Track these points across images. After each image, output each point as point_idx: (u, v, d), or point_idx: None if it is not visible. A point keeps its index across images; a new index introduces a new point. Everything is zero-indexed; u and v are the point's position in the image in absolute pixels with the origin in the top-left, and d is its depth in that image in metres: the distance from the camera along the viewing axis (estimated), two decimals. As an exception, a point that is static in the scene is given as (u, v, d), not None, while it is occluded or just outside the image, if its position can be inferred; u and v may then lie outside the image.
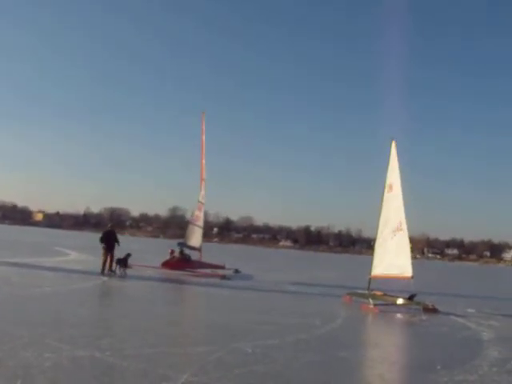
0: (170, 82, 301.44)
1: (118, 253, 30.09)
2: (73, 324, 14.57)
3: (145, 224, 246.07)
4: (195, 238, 38.94)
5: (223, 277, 33.56)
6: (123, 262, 29.32)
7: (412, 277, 24.14)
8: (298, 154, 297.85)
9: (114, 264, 29.43)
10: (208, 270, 36.25)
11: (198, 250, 38.56)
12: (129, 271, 29.60)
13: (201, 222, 39.89)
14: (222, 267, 38.53)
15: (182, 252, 37.00)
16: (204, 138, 40.51)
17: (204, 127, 40.60)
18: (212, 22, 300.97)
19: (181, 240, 39.88)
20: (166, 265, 35.86)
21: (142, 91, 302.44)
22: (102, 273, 28.75)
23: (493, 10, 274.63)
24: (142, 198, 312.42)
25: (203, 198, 39.81)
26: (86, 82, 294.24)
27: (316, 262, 75.91)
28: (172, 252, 36.86)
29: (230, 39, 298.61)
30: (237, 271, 38.30)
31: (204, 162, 40.28)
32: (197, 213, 40.19)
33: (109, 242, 29.71)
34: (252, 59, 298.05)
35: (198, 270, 35.63)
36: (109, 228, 32.10)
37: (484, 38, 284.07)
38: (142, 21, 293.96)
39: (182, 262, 36.31)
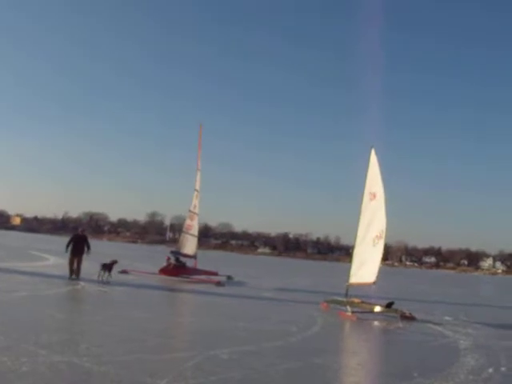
0: (142, 85, 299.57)
1: (104, 258, 29.96)
2: (50, 329, 14.52)
3: (123, 229, 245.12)
4: (189, 246, 40.31)
5: (218, 283, 35.03)
6: (108, 268, 29.11)
7: (374, 283, 24.31)
8: (277, 160, 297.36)
9: (79, 270, 29.18)
10: (203, 277, 37.93)
11: (193, 257, 40.10)
12: (122, 277, 29.44)
13: (194, 231, 41.02)
14: (216, 274, 40.17)
15: (177, 259, 38.39)
16: (200, 151, 42.59)
17: (201, 140, 42.83)
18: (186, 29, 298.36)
19: (173, 248, 42.50)
20: (163, 271, 37.26)
21: (120, 95, 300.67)
22: (70, 277, 28.60)
23: (470, 15, 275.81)
24: (120, 203, 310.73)
25: (195, 208, 41.01)
26: (62, 85, 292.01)
27: (294, 268, 76.00)
28: (168, 259, 38.32)
29: (204, 41, 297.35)
30: (229, 278, 39.83)
31: (199, 173, 41.86)
32: (188, 222, 41.15)
33: (77, 246, 29.37)
34: (228, 62, 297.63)
35: (193, 276, 37.37)
36: (79, 232, 31.54)
37: (463, 43, 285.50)
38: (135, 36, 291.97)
39: (177, 268, 37.67)
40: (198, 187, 41.28)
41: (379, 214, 24.95)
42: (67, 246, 29.57)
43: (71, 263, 29.18)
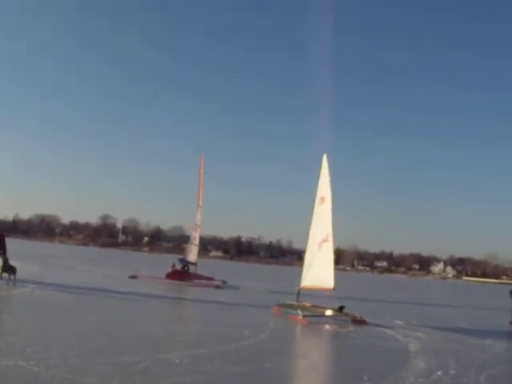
0: (89, 84, 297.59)
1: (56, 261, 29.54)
2: (-3, 332, 14.31)
3: (75, 232, 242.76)
4: (192, 254, 46.48)
5: (217, 286, 40.85)
6: (12, 270, 28.12)
7: (333, 289, 24.38)
8: (228, 163, 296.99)
9: (10, 268, 27.99)
10: (203, 281, 43.55)
11: (195, 264, 45.96)
12: (74, 280, 29.04)
13: (196, 242, 47.19)
14: (212, 279, 45.12)
15: (184, 266, 44.68)
16: (202, 175, 50.00)
17: (202, 168, 50.32)
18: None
19: (179, 256, 49.70)
20: (170, 276, 42.25)
21: (68, 96, 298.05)
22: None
23: (425, 19, 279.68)
24: (72, 206, 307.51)
25: (199, 221, 48.03)
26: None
27: (246, 272, 75.98)
28: (173, 266, 43.95)
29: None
30: (224, 282, 44.38)
31: (201, 192, 49.14)
32: (193, 234, 48.09)
33: None
34: (165, 63, 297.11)
35: (195, 281, 42.96)
36: None
37: (419, 47, 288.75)
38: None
39: (182, 274, 43.59)
40: (200, 203, 48.38)
41: (326, 218, 25.09)
42: None
43: None
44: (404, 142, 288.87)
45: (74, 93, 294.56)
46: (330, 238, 24.72)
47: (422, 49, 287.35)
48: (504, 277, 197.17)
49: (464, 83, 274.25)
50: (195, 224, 48.21)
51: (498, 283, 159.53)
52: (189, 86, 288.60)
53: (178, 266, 44.48)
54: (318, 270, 24.95)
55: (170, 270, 43.38)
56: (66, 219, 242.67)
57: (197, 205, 48.96)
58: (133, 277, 41.38)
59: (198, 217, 48.25)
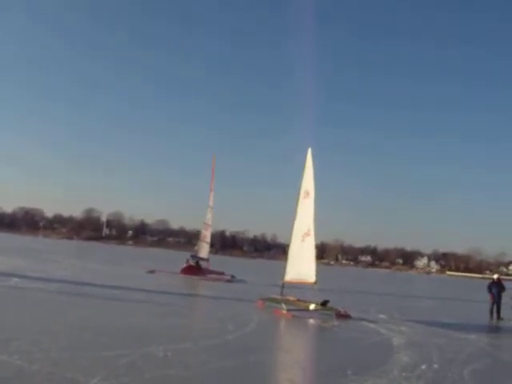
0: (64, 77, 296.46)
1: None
2: (-20, 326, 14.23)
3: (59, 225, 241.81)
4: (203, 251, 49.86)
5: (228, 280, 45.07)
6: None
7: (315, 282, 24.39)
8: (211, 157, 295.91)
9: None
10: (214, 276, 47.11)
11: (207, 260, 49.55)
12: (62, 274, 28.92)
13: (208, 239, 50.48)
14: (223, 273, 48.95)
15: (197, 262, 48.37)
16: (214, 176, 52.91)
17: (214, 168, 53.42)
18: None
19: (192, 252, 51.36)
20: (184, 271, 46.13)
21: (54, 92, 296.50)
22: None
23: (410, 14, 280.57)
24: (56, 199, 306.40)
25: (209, 221, 50.87)
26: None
27: (231, 266, 75.87)
28: (187, 261, 47.82)
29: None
30: (233, 277, 47.55)
31: (212, 193, 51.95)
32: (204, 232, 51.14)
33: None
34: (162, 61, 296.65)
35: (208, 275, 46.47)
36: None
37: (404, 43, 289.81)
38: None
39: (196, 269, 47.28)
40: (211, 204, 51.34)
41: (309, 212, 25.10)
42: None
43: None
44: (389, 136, 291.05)
45: (59, 86, 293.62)
46: (312, 232, 24.74)
47: (406, 44, 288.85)
48: (487, 271, 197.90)
49: (441, 78, 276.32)
50: (205, 223, 51.19)
51: (482, 278, 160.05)
52: (171, 80, 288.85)
53: (192, 262, 48.11)
54: (301, 264, 24.98)
55: (185, 265, 47.31)
56: (49, 212, 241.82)
57: (207, 205, 51.90)
58: (150, 272, 44.99)
59: (209, 216, 51.13)
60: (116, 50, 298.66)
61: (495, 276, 30.87)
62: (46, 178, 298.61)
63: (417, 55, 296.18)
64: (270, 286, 27.14)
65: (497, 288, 29.25)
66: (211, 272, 48.42)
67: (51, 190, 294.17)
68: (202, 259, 49.33)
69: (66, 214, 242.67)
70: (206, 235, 50.95)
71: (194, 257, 49.24)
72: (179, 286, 35.61)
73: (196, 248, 51.43)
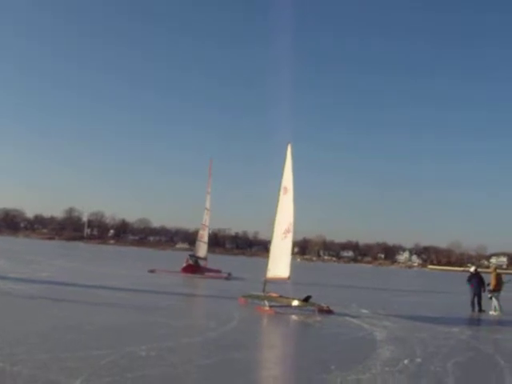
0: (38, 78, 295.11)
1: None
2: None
3: (40, 226, 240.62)
4: (201, 250, 52.20)
5: (226, 278, 47.52)
6: None
7: (289, 278, 24.44)
8: (194, 156, 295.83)
9: None
10: (213, 274, 49.90)
11: (205, 259, 51.96)
12: (40, 275, 28.75)
13: (205, 239, 52.68)
14: (219, 271, 51.34)
15: (196, 261, 50.52)
16: (210, 180, 54.55)
17: (211, 173, 55.07)
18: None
19: (190, 252, 55.61)
20: (184, 270, 48.17)
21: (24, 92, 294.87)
22: None
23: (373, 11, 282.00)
24: (36, 200, 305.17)
25: (206, 222, 53.34)
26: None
27: (212, 264, 75.90)
28: (187, 260, 50.08)
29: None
30: (229, 274, 49.29)
31: (209, 196, 53.76)
32: (201, 232, 53.34)
33: None
34: (137, 60, 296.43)
35: (206, 273, 49.16)
36: None
37: (374, 37, 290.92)
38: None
39: (195, 267, 49.41)
40: (208, 206, 53.37)
41: (288, 208, 25.11)
42: None
43: None
44: (369, 133, 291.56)
45: (29, 86, 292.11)
46: (291, 228, 24.76)
47: (379, 38, 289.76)
48: (468, 264, 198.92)
49: (423, 72, 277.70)
50: (202, 224, 53.56)
51: (463, 271, 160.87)
52: (147, 80, 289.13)
53: (191, 261, 50.30)
54: (280, 260, 25.01)
55: (185, 264, 49.46)
56: (30, 213, 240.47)
57: (204, 208, 53.82)
58: (151, 271, 46.82)
59: (206, 217, 53.42)
60: (108, 55, 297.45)
61: (472, 268, 31.01)
62: (26, 179, 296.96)
63: (402, 50, 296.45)
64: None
65: (477, 280, 29.38)
66: (209, 270, 50.76)
67: (31, 191, 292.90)
68: (201, 258, 51.59)
69: (46, 214, 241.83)
70: (204, 235, 53.08)
71: (193, 256, 51.51)
72: (167, 284, 35.43)
73: (195, 248, 53.45)
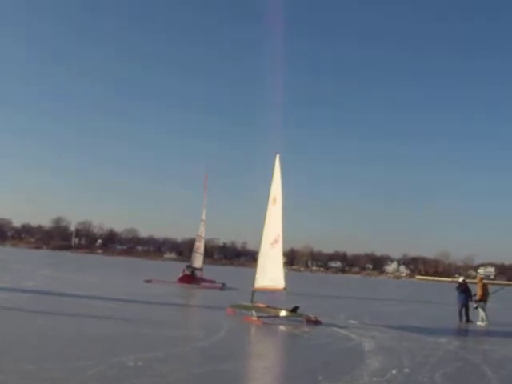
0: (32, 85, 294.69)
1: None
2: None
3: (27, 235, 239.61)
4: (197, 261, 53.20)
5: (221, 288, 48.00)
6: None
7: (285, 288, 24.41)
8: (182, 164, 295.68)
9: None
10: (208, 284, 50.61)
11: (200, 269, 52.94)
12: (27, 284, 28.62)
13: (201, 250, 53.80)
14: (214, 282, 51.60)
15: (193, 272, 51.99)
16: (206, 193, 55.70)
17: (206, 186, 56.05)
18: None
19: (187, 263, 55.88)
20: (181, 280, 49.70)
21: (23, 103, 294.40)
22: None
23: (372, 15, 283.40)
24: (24, 209, 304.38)
25: (202, 233, 54.44)
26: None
27: (204, 274, 75.92)
28: (183, 271, 51.60)
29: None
30: (224, 284, 49.84)
31: (205, 209, 55.06)
32: (197, 243, 54.37)
33: None
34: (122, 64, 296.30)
35: (202, 283, 50.33)
36: None
37: (370, 46, 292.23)
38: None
39: (191, 278, 50.89)
40: (203, 218, 54.43)
41: (277, 219, 25.11)
42: None
43: None
44: (355, 142, 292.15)
45: (22, 94, 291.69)
46: (281, 239, 24.75)
47: (371, 47, 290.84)
48: (456, 275, 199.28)
49: (407, 84, 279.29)
50: (198, 235, 54.93)
51: (451, 281, 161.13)
52: (133, 85, 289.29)
53: (187, 271, 51.83)
54: (270, 271, 24.97)
55: (181, 274, 50.95)
56: (17, 222, 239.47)
57: (200, 219, 54.86)
58: (147, 281, 47.49)
59: (202, 229, 54.44)
60: (103, 64, 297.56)
61: (461, 279, 31.12)
62: (14, 188, 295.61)
63: (390, 58, 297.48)
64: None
65: (464, 290, 29.48)
66: (204, 280, 51.76)
67: (19, 200, 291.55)
68: (197, 269, 52.78)
69: (34, 223, 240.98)
70: (200, 246, 54.25)
71: (190, 267, 52.87)
72: (162, 294, 35.45)
73: (191, 259, 54.50)
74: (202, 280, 51.88)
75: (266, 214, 25.81)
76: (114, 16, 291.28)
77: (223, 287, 48.78)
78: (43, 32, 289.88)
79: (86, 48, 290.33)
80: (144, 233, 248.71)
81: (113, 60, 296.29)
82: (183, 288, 46.05)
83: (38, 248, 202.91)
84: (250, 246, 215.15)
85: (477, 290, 29.27)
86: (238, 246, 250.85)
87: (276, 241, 24.85)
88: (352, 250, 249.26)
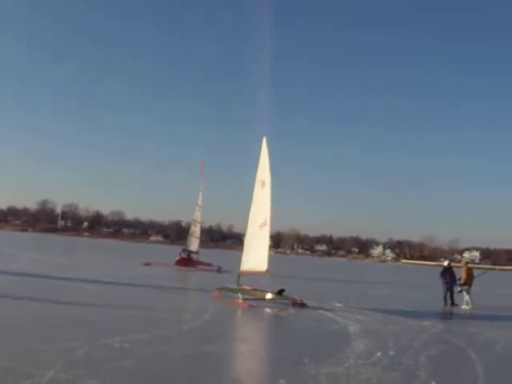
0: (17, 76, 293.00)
1: None
2: None
3: (13, 218, 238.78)
4: (193, 245, 55.29)
5: (217, 270, 49.50)
6: None
7: (267, 271, 24.45)
8: (170, 149, 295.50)
9: None
10: (204, 267, 52.06)
11: (196, 253, 55.01)
12: (14, 266, 28.58)
13: (197, 234, 55.89)
14: (211, 265, 52.83)
15: (189, 255, 54.10)
16: (203, 179, 57.44)
17: (203, 173, 57.57)
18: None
19: (183, 246, 57.84)
20: (178, 263, 51.69)
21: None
22: None
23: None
24: (10, 191, 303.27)
25: (198, 218, 56.56)
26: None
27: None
28: (180, 254, 53.90)
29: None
30: (220, 267, 51.08)
31: (201, 193, 56.67)
32: (193, 228, 56.43)
33: None
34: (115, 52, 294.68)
35: (198, 266, 51.92)
36: None
37: (351, 30, 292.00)
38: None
39: (187, 261, 52.96)
40: (200, 203, 56.43)
41: (265, 202, 25.12)
42: None
43: None
44: (340, 124, 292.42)
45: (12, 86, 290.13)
46: (268, 222, 24.77)
47: (358, 33, 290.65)
48: (441, 259, 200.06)
49: (405, 64, 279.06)
50: (194, 220, 56.86)
51: (436, 265, 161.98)
52: (120, 73, 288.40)
53: (184, 255, 53.90)
54: (255, 253, 25.01)
55: (178, 258, 53.07)
56: (3, 205, 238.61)
57: (195, 204, 57.11)
58: (146, 264, 48.66)
59: (197, 213, 56.57)
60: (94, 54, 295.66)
61: (446, 263, 31.27)
62: (0, 172, 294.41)
63: (378, 45, 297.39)
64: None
65: (449, 274, 29.65)
66: (201, 263, 53.28)
67: (4, 183, 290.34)
68: (193, 252, 54.77)
69: (20, 206, 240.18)
70: (196, 231, 56.23)
71: (186, 250, 54.90)
72: (157, 276, 35.58)
73: (187, 243, 56.36)
74: (199, 263, 53.37)
75: (252, 198, 25.82)
76: (113, 16, 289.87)
77: (219, 270, 49.91)
78: (43, 32, 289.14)
79: (86, 48, 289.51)
80: (130, 215, 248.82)
81: (113, 60, 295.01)
82: (180, 271, 47.19)
83: (23, 231, 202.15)
84: (237, 229, 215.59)
85: (461, 274, 29.42)
86: (224, 228, 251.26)
87: (264, 223, 24.87)
88: (338, 233, 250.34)
